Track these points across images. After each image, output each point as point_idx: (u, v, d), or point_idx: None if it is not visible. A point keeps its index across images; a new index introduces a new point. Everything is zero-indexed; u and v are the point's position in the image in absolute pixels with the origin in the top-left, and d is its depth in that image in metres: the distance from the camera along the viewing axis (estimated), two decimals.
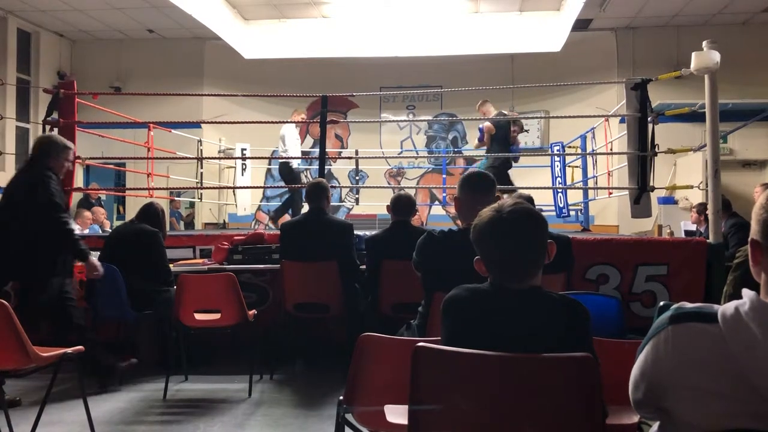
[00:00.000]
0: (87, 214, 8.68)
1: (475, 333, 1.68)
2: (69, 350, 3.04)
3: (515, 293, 1.71)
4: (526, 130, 12.56)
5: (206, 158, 11.12)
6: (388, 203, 4.62)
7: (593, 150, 8.89)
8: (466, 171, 3.48)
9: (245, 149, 11.17)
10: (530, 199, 3.87)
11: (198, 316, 4.32)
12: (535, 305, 1.71)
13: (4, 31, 11.07)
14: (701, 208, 7.44)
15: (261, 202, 12.56)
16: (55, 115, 5.91)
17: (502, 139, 7.74)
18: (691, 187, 6.57)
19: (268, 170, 12.73)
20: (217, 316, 4.31)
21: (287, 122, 8.68)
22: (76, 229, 8.30)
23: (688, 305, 1.23)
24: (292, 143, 8.55)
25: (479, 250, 1.79)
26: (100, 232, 8.48)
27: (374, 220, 10.50)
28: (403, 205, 4.56)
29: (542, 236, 1.77)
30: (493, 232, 1.75)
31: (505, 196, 4.40)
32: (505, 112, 8.26)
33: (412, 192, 5.41)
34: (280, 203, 9.07)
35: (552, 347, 1.60)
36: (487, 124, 7.75)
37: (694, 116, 6.59)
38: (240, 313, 4.28)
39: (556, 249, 1.80)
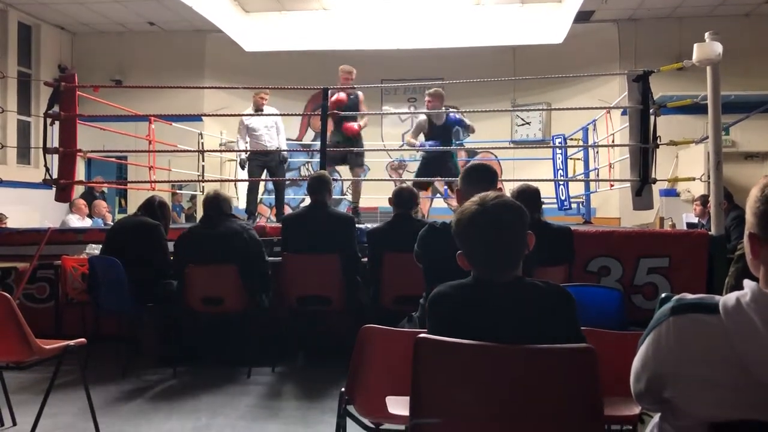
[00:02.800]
0: (81, 202, 8.66)
1: (461, 328, 1.67)
2: (71, 342, 3.05)
3: (499, 285, 1.72)
4: (528, 123, 12.57)
5: (207, 151, 11.11)
6: (390, 196, 4.62)
7: (595, 142, 8.86)
8: (467, 163, 3.48)
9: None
10: (537, 192, 3.86)
11: (203, 306, 4.39)
12: (520, 295, 1.72)
13: (5, 24, 11.05)
14: (704, 200, 7.42)
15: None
16: (56, 108, 5.90)
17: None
18: (693, 179, 6.57)
19: None
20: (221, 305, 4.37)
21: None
22: (75, 219, 8.35)
23: (690, 296, 1.23)
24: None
25: (462, 243, 1.79)
26: (103, 225, 8.49)
27: (376, 213, 10.49)
28: (404, 198, 4.57)
29: (524, 226, 1.77)
30: (476, 225, 1.74)
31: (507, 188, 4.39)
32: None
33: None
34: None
35: (539, 336, 1.60)
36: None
37: (697, 108, 6.56)
38: (243, 301, 4.32)
39: (534, 240, 1.78)
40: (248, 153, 7.61)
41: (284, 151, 7.95)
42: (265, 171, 7.67)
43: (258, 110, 7.67)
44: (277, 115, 7.89)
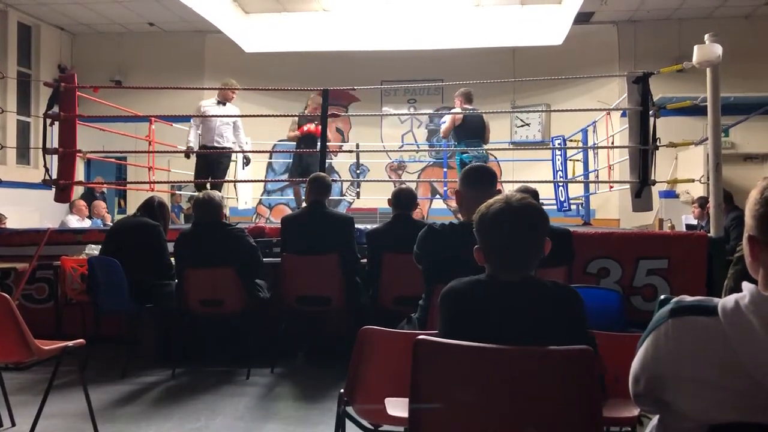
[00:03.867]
0: (81, 203, 8.67)
1: (472, 324, 1.69)
2: (70, 343, 3.05)
3: (512, 284, 1.74)
4: (528, 124, 12.56)
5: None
6: (389, 197, 4.63)
7: (594, 144, 8.87)
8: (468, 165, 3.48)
9: (246, 143, 11.14)
10: (535, 193, 3.86)
11: (202, 307, 4.41)
12: (530, 295, 1.74)
13: (5, 25, 11.05)
14: (702, 202, 7.43)
15: (262, 196, 12.56)
16: (55, 109, 5.90)
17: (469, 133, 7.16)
18: (693, 180, 6.55)
19: (269, 164, 12.72)
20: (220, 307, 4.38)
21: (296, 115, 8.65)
22: (74, 220, 8.34)
23: (689, 298, 1.23)
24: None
25: (483, 238, 1.81)
26: (102, 225, 8.49)
27: (375, 213, 10.49)
28: (404, 199, 4.57)
29: (545, 231, 1.81)
30: (503, 223, 1.77)
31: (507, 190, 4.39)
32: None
33: (413, 186, 5.41)
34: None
35: (548, 335, 1.62)
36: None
37: (696, 110, 6.57)
38: (242, 302, 4.34)
39: (550, 246, 1.82)
40: (195, 147, 7.30)
41: (247, 152, 8.05)
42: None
43: (221, 103, 7.41)
44: (238, 116, 7.74)
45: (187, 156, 7.37)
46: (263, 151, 11.41)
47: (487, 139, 7.32)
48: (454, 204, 7.82)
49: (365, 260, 4.66)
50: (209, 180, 7.19)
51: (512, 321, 1.68)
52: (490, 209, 1.80)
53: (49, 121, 5.87)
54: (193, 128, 7.36)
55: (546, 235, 1.81)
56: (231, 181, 11.18)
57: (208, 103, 7.48)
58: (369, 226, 5.03)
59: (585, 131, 8.96)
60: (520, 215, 1.76)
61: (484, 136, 7.23)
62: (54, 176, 5.96)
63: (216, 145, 7.36)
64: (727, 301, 1.16)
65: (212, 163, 7.40)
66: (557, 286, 1.77)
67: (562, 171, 9.42)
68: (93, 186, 10.03)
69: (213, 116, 7.34)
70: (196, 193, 4.73)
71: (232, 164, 11.77)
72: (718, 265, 4.51)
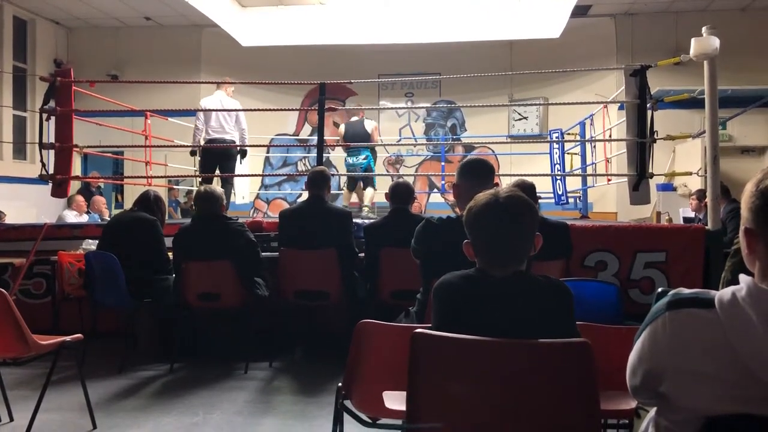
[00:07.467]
0: (80, 198, 8.65)
1: (463, 318, 1.69)
2: (68, 338, 3.05)
3: (502, 278, 1.73)
4: (525, 117, 12.55)
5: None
6: (387, 191, 4.62)
7: (592, 137, 8.86)
8: (464, 158, 3.48)
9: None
10: (532, 187, 3.86)
11: (200, 301, 4.41)
12: (521, 289, 1.73)
13: (0, 19, 11.00)
14: (701, 195, 7.44)
15: (259, 190, 12.54)
16: (52, 104, 5.89)
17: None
18: (690, 173, 6.56)
19: (267, 158, 12.71)
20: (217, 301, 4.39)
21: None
22: (72, 215, 8.32)
23: (686, 291, 1.23)
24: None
25: (471, 233, 1.81)
26: (99, 220, 8.47)
27: (373, 207, 10.48)
28: (401, 193, 4.57)
29: (534, 226, 1.79)
30: (489, 216, 1.76)
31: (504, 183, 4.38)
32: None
33: (410, 180, 5.41)
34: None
35: (538, 329, 1.62)
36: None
37: (694, 103, 6.57)
38: (240, 296, 4.34)
39: (541, 241, 1.80)
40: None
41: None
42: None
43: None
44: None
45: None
46: (261, 145, 11.40)
47: (374, 140, 8.04)
48: (451, 198, 7.86)
49: (363, 254, 4.66)
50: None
51: (502, 316, 1.67)
52: (477, 203, 1.80)
53: (45, 115, 5.85)
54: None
55: (536, 230, 1.79)
56: (229, 176, 11.19)
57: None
58: (367, 220, 5.03)
59: (583, 124, 8.95)
60: (507, 210, 1.75)
61: (368, 140, 7.90)
62: (51, 171, 5.94)
63: None
64: (724, 293, 1.16)
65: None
66: (549, 280, 1.77)
67: (559, 164, 9.41)
68: (90, 180, 10.00)
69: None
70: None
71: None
72: (715, 258, 4.52)
